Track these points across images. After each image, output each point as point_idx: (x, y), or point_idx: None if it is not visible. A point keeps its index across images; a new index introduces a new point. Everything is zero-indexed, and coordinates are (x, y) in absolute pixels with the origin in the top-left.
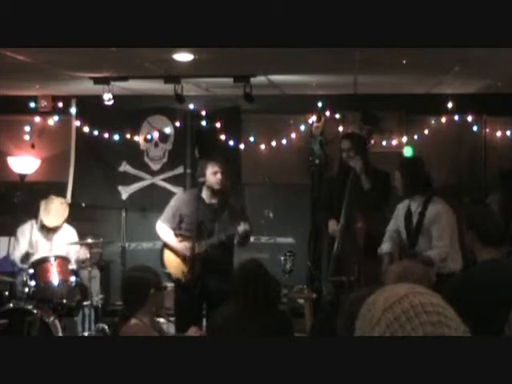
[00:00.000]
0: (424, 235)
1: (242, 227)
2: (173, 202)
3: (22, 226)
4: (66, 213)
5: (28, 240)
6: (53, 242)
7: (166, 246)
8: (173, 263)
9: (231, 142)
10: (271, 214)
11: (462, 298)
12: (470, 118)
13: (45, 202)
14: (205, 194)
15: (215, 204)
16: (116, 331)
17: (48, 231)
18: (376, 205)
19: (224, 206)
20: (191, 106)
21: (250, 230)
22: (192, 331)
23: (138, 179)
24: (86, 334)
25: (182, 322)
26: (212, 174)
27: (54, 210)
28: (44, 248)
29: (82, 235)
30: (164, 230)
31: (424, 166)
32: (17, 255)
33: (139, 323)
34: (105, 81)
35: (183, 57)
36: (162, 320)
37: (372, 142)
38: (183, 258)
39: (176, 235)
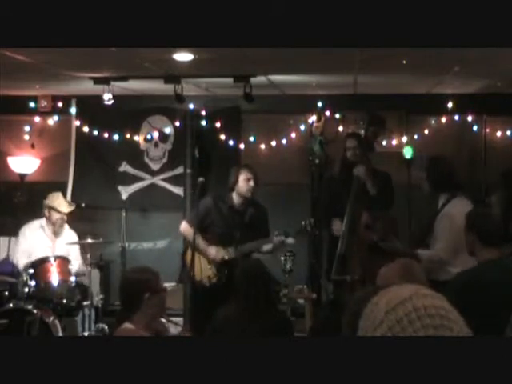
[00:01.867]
0: (432, 234)
1: (278, 238)
2: (201, 205)
3: (24, 226)
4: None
5: (30, 241)
6: (55, 242)
7: (190, 247)
8: (196, 265)
9: (231, 142)
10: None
11: (463, 298)
12: (470, 118)
13: (47, 199)
14: (234, 201)
15: (243, 211)
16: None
17: (56, 226)
18: (382, 207)
19: (252, 213)
20: (191, 106)
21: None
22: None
23: (138, 179)
24: (86, 334)
25: (197, 322)
26: (245, 181)
27: (62, 200)
28: (47, 247)
29: (81, 235)
30: (191, 231)
31: (451, 166)
32: (17, 257)
33: (131, 327)
34: (105, 81)
35: (183, 57)
36: (163, 321)
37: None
38: (209, 262)
39: (203, 239)
